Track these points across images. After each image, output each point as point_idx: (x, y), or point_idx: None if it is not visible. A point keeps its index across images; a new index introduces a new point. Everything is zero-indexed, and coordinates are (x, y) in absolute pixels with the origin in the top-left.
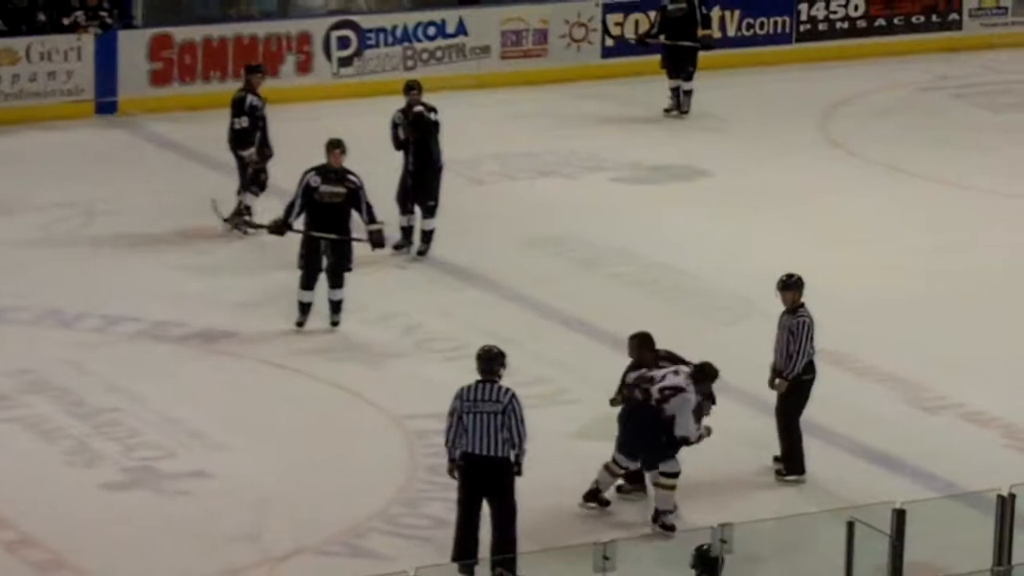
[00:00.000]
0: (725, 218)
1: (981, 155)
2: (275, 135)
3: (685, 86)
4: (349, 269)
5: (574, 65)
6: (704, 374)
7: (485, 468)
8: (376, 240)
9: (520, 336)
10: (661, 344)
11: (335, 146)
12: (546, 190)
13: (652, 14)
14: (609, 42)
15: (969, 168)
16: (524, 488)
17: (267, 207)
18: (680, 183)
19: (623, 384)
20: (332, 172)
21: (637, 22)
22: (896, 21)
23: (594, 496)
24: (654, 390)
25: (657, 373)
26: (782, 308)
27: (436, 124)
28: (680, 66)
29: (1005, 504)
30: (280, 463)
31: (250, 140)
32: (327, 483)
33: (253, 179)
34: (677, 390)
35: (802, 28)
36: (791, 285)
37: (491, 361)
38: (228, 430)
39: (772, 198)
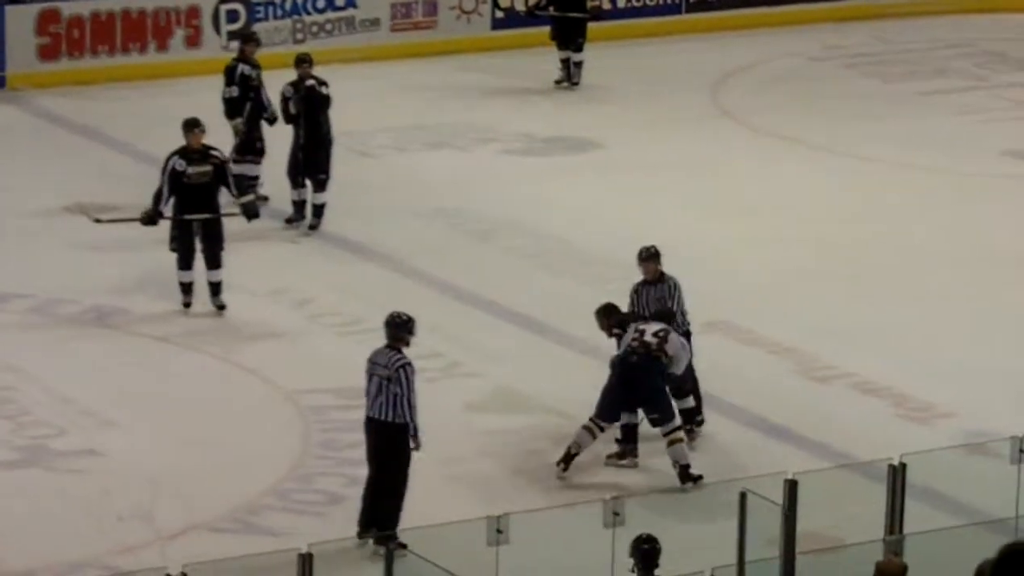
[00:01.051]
0: (617, 189)
1: (872, 125)
2: (162, 111)
3: (575, 57)
4: (223, 248)
5: (464, 37)
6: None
7: (373, 430)
8: (251, 211)
9: (414, 310)
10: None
11: (194, 126)
12: (438, 163)
13: None
14: (499, 14)
15: (860, 138)
16: (420, 461)
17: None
18: (571, 155)
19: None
20: (195, 152)
21: None
22: None
23: (570, 459)
24: (648, 335)
25: (640, 324)
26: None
27: (327, 98)
28: (570, 37)
29: (896, 474)
30: (173, 440)
31: (239, 110)
32: (220, 460)
33: (248, 148)
34: (666, 330)
35: None
36: (654, 256)
37: (396, 328)
38: (120, 408)
39: (664, 169)
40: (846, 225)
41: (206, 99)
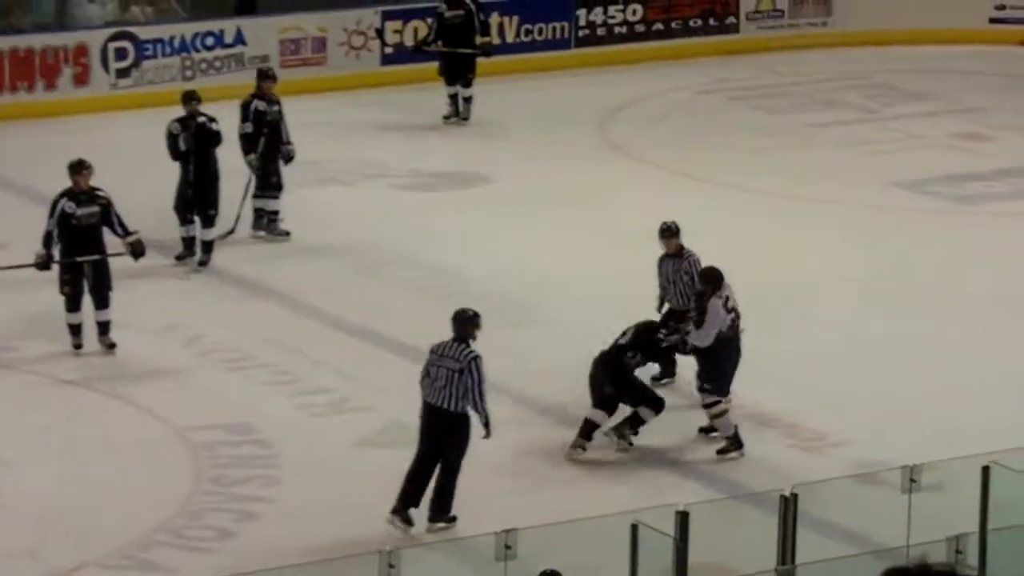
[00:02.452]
0: (506, 223)
1: (759, 157)
2: (51, 149)
3: (464, 92)
4: (112, 288)
5: (353, 73)
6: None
7: (437, 418)
8: (137, 250)
9: (304, 345)
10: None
11: (81, 167)
12: (327, 198)
13: (430, 21)
14: (388, 50)
15: (748, 170)
16: (310, 499)
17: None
18: (461, 189)
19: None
20: (82, 194)
21: (416, 29)
22: (674, 25)
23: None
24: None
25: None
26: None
27: (218, 134)
28: (458, 73)
29: (788, 504)
30: (63, 477)
31: (253, 146)
32: (111, 496)
33: (265, 183)
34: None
35: (581, 33)
36: (675, 231)
37: (463, 323)
38: (9, 445)
39: (553, 203)
40: (734, 257)
41: (96, 138)
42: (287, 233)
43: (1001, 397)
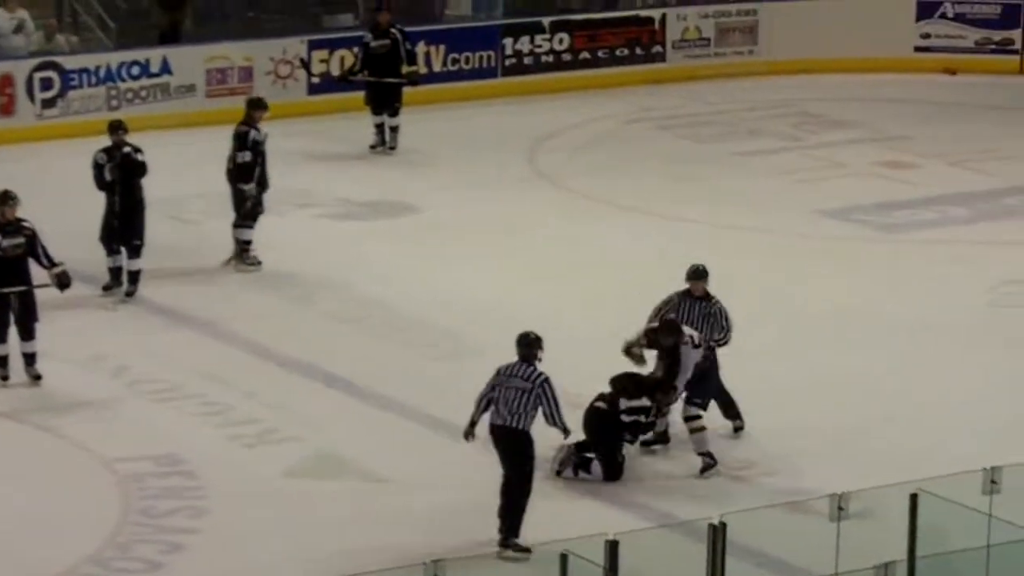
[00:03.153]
0: (434, 253)
1: (686, 185)
2: None
3: (391, 122)
4: (38, 319)
5: (280, 102)
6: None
7: (504, 436)
8: (63, 282)
9: (231, 375)
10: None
11: (7, 198)
12: (256, 227)
13: (356, 50)
14: (314, 79)
15: (674, 199)
16: (238, 530)
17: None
18: (388, 219)
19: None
20: (8, 225)
21: (342, 59)
22: (601, 54)
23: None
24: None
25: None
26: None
27: (143, 165)
28: (385, 102)
29: (717, 533)
30: None
31: (251, 174)
32: (39, 529)
33: (250, 213)
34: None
35: (507, 63)
36: (703, 275)
37: (528, 346)
38: None
39: (481, 232)
40: (660, 286)
41: (21, 168)
42: (259, 262)
43: (928, 424)
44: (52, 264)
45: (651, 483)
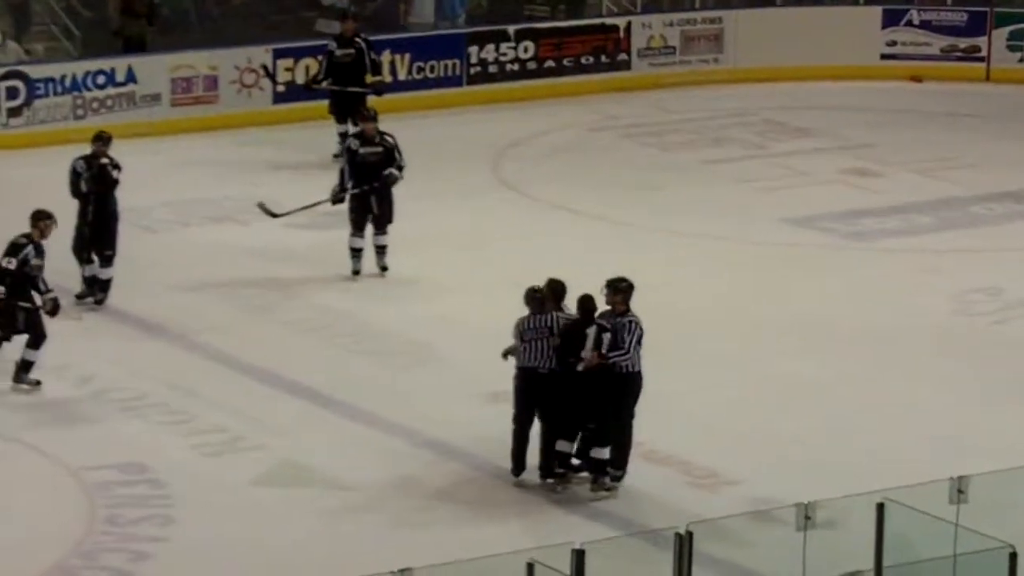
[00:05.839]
0: (399, 262)
1: (650, 194)
2: None
3: (355, 130)
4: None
5: (245, 111)
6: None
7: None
8: (52, 310)
9: (197, 384)
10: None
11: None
12: (220, 237)
13: (321, 59)
14: (279, 88)
15: (638, 207)
16: (205, 539)
17: None
18: None
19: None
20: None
21: (307, 67)
22: (566, 62)
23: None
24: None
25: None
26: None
27: (116, 181)
28: (349, 111)
29: (683, 542)
30: None
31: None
32: (3, 537)
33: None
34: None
35: (472, 71)
36: (624, 289)
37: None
38: None
39: (446, 241)
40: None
41: None
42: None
43: (894, 433)
44: (47, 290)
45: (617, 492)
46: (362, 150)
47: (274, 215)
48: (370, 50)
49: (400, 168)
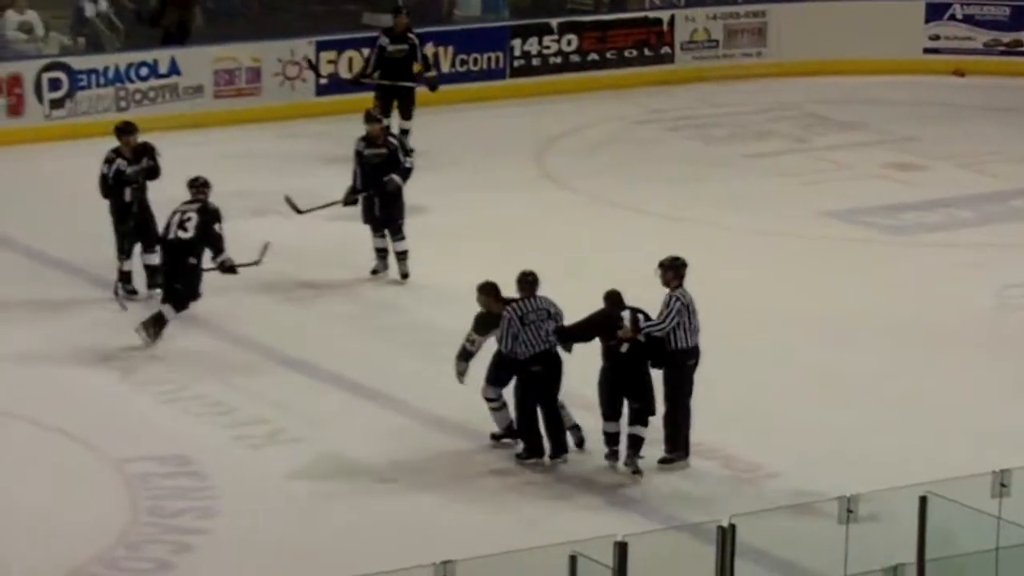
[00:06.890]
0: (443, 254)
1: (694, 187)
2: None
3: (403, 124)
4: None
5: (288, 103)
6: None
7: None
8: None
9: (238, 376)
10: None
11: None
12: (264, 229)
13: (366, 52)
14: (322, 81)
15: (683, 200)
16: (247, 530)
17: None
18: None
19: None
20: None
21: (351, 60)
22: (609, 55)
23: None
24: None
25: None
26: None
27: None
28: (400, 105)
29: (725, 535)
30: None
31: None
32: (47, 528)
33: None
34: None
35: (516, 64)
36: (666, 264)
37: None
38: None
39: (489, 233)
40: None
41: (29, 168)
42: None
43: (936, 426)
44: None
45: (659, 485)
46: (367, 152)
47: (299, 211)
48: (422, 44)
49: (407, 170)
